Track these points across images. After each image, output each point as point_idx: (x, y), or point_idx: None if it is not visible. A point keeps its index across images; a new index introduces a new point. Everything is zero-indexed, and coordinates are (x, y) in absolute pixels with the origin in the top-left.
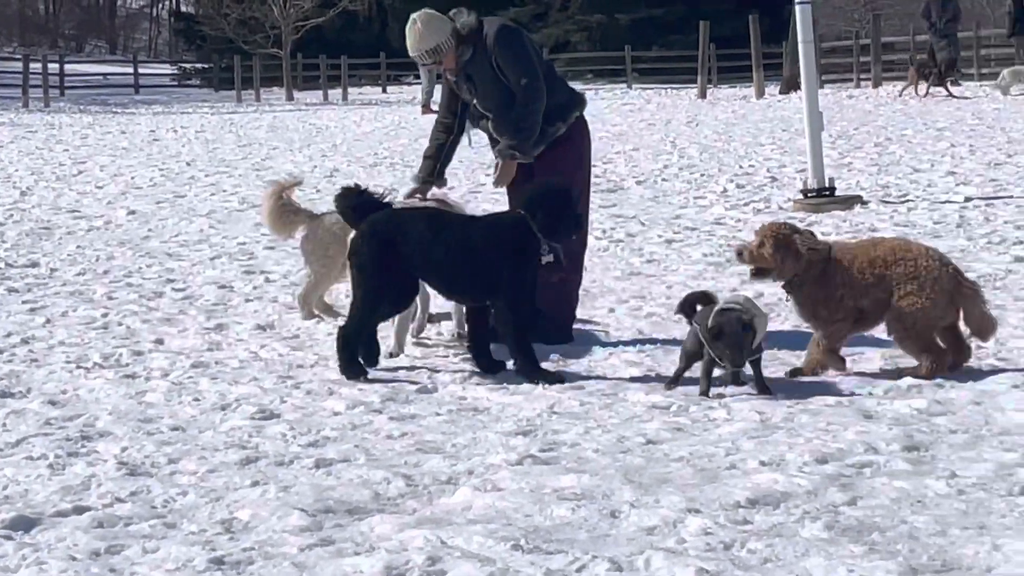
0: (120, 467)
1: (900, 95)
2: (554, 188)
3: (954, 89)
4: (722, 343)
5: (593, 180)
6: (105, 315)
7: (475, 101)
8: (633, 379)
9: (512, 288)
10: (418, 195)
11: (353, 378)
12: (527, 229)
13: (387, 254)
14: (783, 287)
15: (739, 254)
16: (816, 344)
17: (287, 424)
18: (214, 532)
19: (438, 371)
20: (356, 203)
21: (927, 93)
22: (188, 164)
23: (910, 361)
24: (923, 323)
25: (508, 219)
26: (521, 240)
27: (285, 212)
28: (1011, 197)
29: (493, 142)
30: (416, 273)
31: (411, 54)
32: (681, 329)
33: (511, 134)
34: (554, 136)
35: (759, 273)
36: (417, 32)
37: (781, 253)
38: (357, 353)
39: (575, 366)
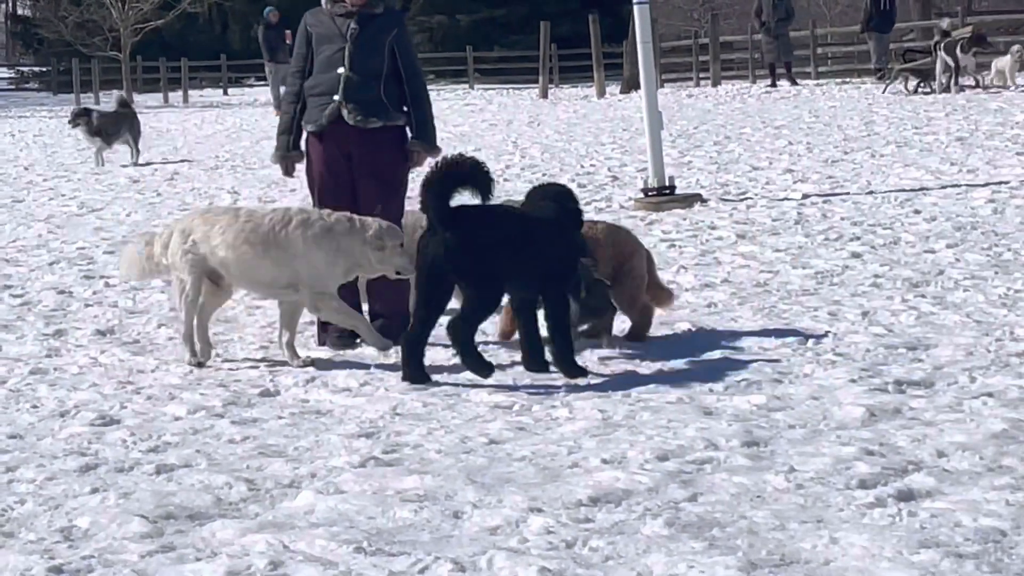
0: None
1: (884, 92)
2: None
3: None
4: None
5: None
6: None
7: (347, 48)
8: (475, 380)
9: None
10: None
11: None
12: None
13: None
14: None
15: None
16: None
17: (127, 430)
18: (53, 540)
19: (280, 374)
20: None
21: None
22: (26, 168)
23: None
24: None
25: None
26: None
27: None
28: (847, 194)
29: (326, 93)
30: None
31: None
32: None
33: (432, 128)
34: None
35: None
36: None
37: None
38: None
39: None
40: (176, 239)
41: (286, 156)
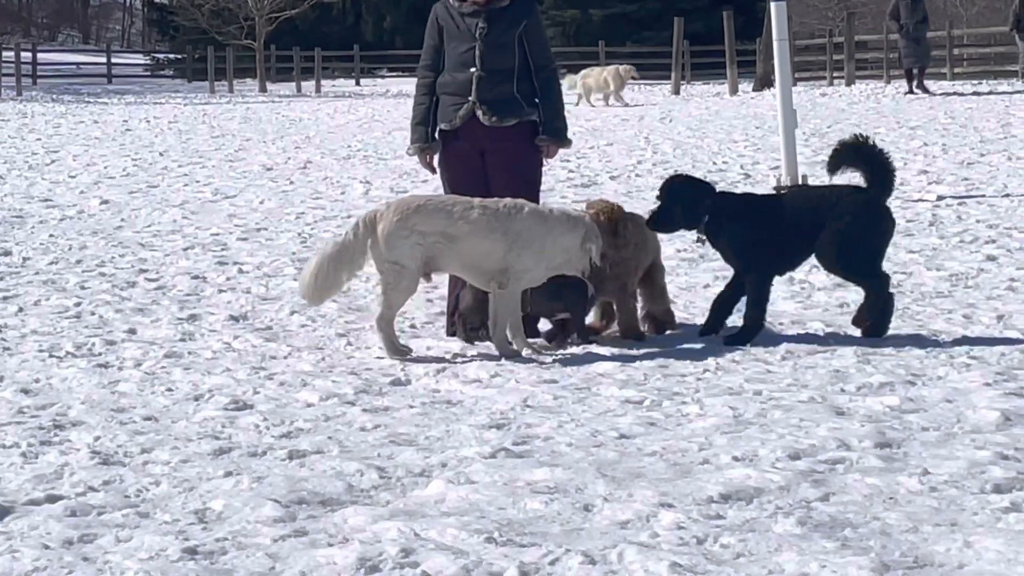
0: (93, 456)
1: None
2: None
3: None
4: None
5: (567, 175)
6: (78, 304)
7: (477, 47)
8: (606, 374)
9: None
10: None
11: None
12: None
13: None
14: None
15: None
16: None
17: (260, 415)
18: (187, 522)
19: (411, 363)
20: None
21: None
22: (161, 154)
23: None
24: None
25: None
26: None
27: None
28: (983, 196)
29: (459, 93)
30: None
31: None
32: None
33: (562, 120)
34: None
35: None
36: None
37: None
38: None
39: (548, 360)
40: (392, 225)
41: (424, 148)
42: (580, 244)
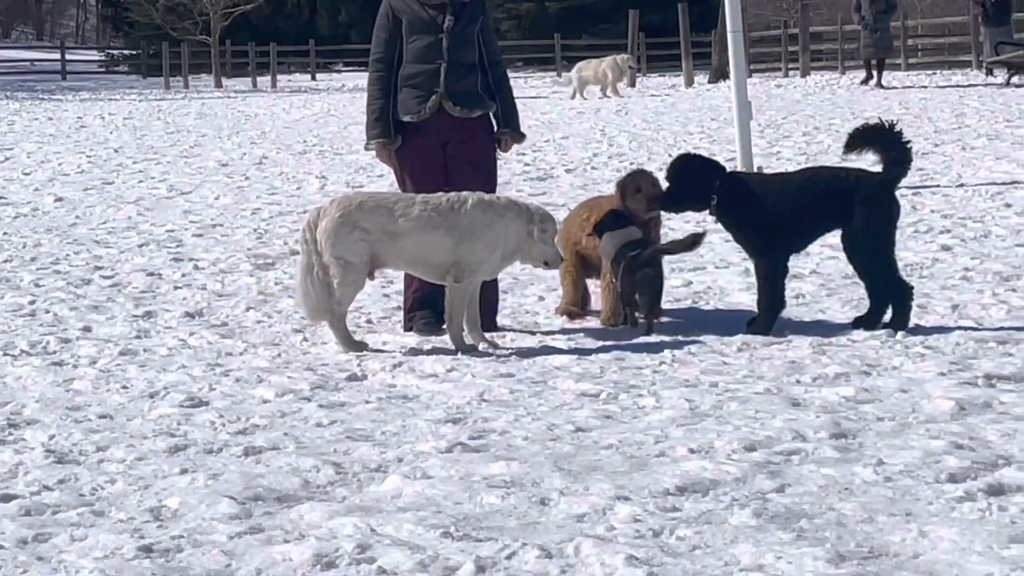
0: (48, 455)
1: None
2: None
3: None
4: None
5: (523, 168)
6: (32, 302)
7: (445, 40)
8: (562, 367)
9: None
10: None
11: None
12: None
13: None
14: None
15: None
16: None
17: (216, 412)
18: (143, 520)
19: (367, 358)
20: None
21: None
22: (116, 151)
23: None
24: None
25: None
26: None
27: None
28: (938, 186)
29: (424, 86)
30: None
31: None
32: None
33: (517, 115)
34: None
35: None
36: None
37: None
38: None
39: (504, 354)
40: (335, 221)
41: (387, 143)
42: (530, 230)
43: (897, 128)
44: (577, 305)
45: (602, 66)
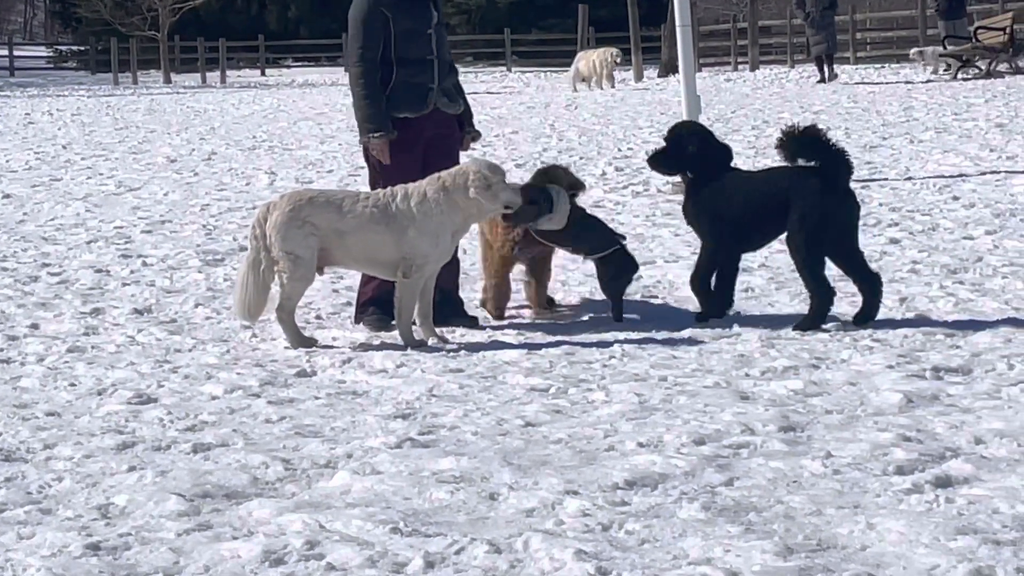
0: None
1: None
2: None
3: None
4: None
5: None
6: None
7: (433, 35)
8: (512, 362)
9: None
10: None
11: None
12: None
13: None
14: None
15: None
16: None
17: (164, 408)
18: (90, 518)
19: (316, 354)
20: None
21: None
22: (64, 147)
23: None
24: None
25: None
26: None
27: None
28: (886, 180)
29: (421, 81)
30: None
31: None
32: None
33: (467, 107)
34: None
35: None
36: None
37: None
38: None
39: (454, 349)
40: (285, 216)
41: (388, 138)
42: (471, 191)
43: (823, 136)
44: (505, 302)
45: (592, 57)
